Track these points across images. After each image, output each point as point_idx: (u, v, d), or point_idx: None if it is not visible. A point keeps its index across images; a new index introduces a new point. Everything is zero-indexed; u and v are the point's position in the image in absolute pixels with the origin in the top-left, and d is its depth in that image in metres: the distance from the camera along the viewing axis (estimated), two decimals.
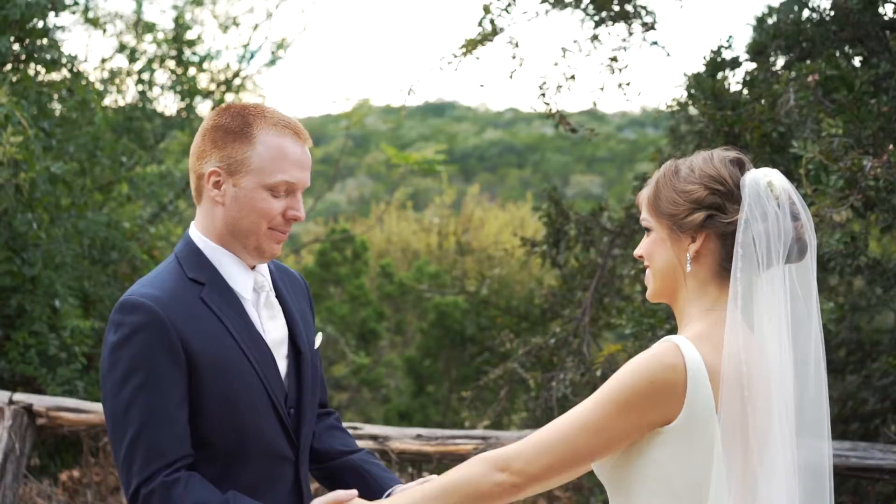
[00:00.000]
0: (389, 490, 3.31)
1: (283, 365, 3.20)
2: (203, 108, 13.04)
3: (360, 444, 6.82)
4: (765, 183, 2.78)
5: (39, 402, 6.97)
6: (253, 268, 3.19)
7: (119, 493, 7.66)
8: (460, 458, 6.80)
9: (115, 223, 9.07)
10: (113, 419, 2.94)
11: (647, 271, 2.98)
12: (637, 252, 3.01)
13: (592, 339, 7.95)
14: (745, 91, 6.91)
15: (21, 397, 6.97)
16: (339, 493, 3.13)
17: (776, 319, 2.78)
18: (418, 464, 7.24)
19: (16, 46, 9.21)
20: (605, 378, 4.29)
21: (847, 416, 8.34)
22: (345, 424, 6.98)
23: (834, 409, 7.93)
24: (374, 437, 6.89)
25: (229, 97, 13.44)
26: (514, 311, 11.33)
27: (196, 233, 3.16)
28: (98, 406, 7.07)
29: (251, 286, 3.17)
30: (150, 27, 12.39)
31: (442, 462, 6.93)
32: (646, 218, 2.94)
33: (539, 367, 7.94)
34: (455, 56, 7.17)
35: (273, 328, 3.20)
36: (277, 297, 3.27)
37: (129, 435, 2.90)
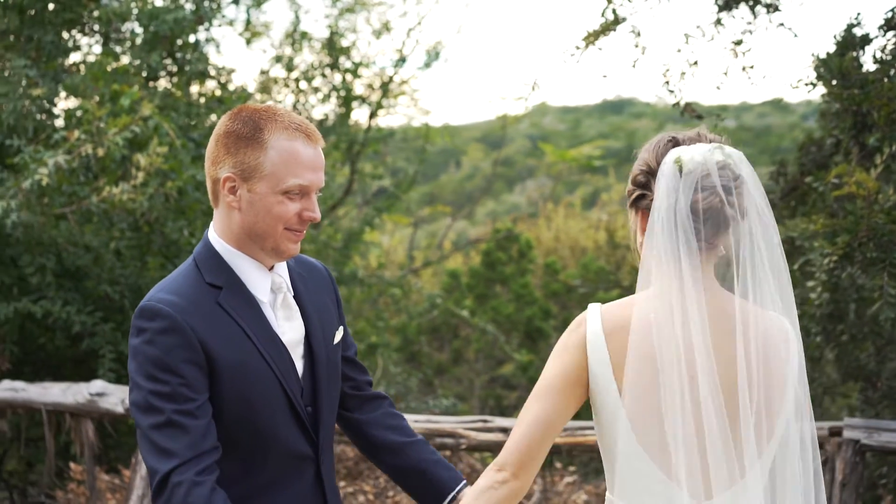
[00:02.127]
0: (452, 494, 3.38)
1: (300, 364, 3.25)
2: (358, 113, 13.33)
3: (490, 436, 6.90)
4: (672, 159, 2.84)
5: None
6: (271, 268, 3.24)
7: None
8: (589, 448, 6.79)
9: None
10: (141, 410, 3.02)
11: None
12: None
13: None
14: (878, 68, 6.71)
15: None
16: None
17: (690, 295, 2.82)
18: (552, 455, 7.24)
19: (167, 61, 9.60)
20: None
21: None
22: (473, 417, 7.07)
23: None
24: (503, 430, 6.92)
25: (386, 102, 13.66)
26: None
27: (214, 236, 3.21)
28: None
29: (268, 288, 3.22)
30: (306, 36, 12.71)
31: (571, 453, 6.91)
32: None
33: None
34: (577, 48, 7.15)
35: (290, 329, 3.24)
36: (295, 296, 3.31)
37: (159, 422, 2.99)
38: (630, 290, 12.91)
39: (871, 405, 6.84)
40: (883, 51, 6.83)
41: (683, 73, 7.06)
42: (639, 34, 7.09)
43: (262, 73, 12.69)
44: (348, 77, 12.78)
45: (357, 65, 12.81)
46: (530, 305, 16.22)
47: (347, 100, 12.65)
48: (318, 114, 12.80)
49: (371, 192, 14.16)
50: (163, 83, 9.70)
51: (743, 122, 44.65)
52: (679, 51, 7.08)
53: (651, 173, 2.90)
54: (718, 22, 7.07)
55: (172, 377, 2.99)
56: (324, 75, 12.69)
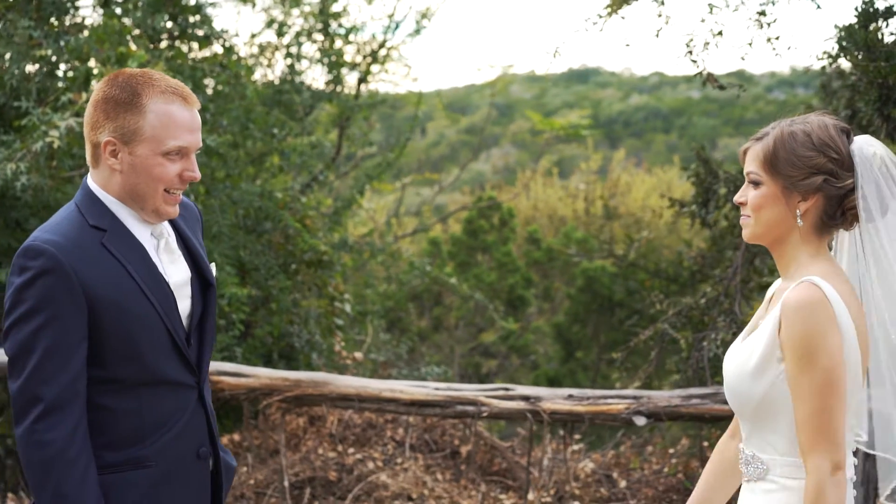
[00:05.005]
0: None
1: (186, 304, 3.41)
2: (350, 79, 13.21)
3: (511, 404, 6.93)
4: (870, 152, 3.20)
5: None
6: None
7: (279, 456, 7.87)
8: (612, 417, 6.84)
9: (268, 193, 9.28)
10: (13, 355, 3.14)
11: (748, 218, 3.31)
12: (740, 199, 3.31)
13: (743, 299, 7.87)
14: None
15: None
16: None
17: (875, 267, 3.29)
18: (570, 424, 7.28)
19: (169, 24, 9.48)
20: None
21: None
22: (495, 385, 7.09)
23: None
24: (525, 398, 6.95)
25: (375, 69, 13.58)
26: (662, 273, 11.26)
27: (95, 186, 3.32)
28: (258, 370, 7.27)
29: (149, 234, 3.35)
30: (298, 1, 12.58)
31: (594, 422, 6.95)
32: (757, 173, 3.25)
33: (690, 327, 7.88)
34: (600, 16, 7.13)
35: (175, 272, 3.38)
36: (181, 237, 3.48)
37: (26, 371, 3.11)
38: (624, 259, 12.99)
39: None
40: None
41: (707, 44, 7.06)
42: (662, 3, 7.08)
43: (252, 36, 12.56)
44: (339, 43, 12.67)
45: (348, 30, 12.69)
46: (512, 273, 16.28)
47: (338, 65, 12.54)
48: (308, 79, 12.69)
49: (359, 158, 14.09)
50: (164, 46, 9.57)
51: (708, 93, 44.92)
52: (703, 21, 7.08)
53: (840, 162, 3.18)
54: None
55: (51, 318, 3.11)
56: (314, 41, 12.57)
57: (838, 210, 3.19)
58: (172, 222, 3.45)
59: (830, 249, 3.32)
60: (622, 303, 14.85)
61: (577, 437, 8.81)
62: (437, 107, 14.19)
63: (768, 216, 3.24)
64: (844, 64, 7.21)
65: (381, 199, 18.03)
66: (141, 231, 3.32)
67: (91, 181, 3.33)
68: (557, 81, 45.48)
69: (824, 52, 6.90)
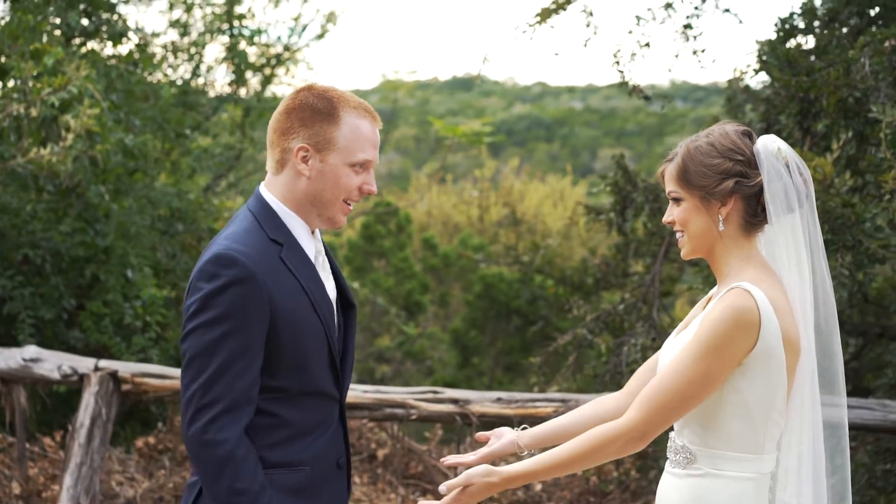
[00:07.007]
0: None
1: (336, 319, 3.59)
2: (253, 82, 13.11)
3: (440, 407, 6.98)
4: (774, 148, 3.37)
5: (124, 368, 7.10)
6: (312, 232, 3.53)
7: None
8: (540, 420, 6.93)
9: (183, 194, 9.20)
10: (193, 356, 3.25)
11: (681, 236, 3.50)
12: (668, 219, 3.51)
13: (661, 306, 8.04)
14: (815, 58, 6.97)
15: (106, 364, 7.10)
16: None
17: (796, 260, 3.38)
18: (498, 427, 7.33)
19: (84, 21, 9.34)
20: None
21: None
22: (424, 388, 7.14)
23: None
24: (454, 401, 7.00)
25: (279, 71, 13.50)
26: (567, 280, 11.43)
27: (271, 196, 3.46)
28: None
29: (314, 250, 3.50)
30: (206, 1, 12.45)
31: (521, 424, 7.03)
32: (675, 190, 3.44)
33: (608, 332, 8.02)
34: (529, 25, 7.25)
35: (329, 288, 3.55)
36: (327, 256, 3.64)
37: (206, 374, 3.22)
38: (529, 266, 13.14)
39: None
40: (822, 39, 7.09)
41: (634, 55, 7.23)
42: (591, 14, 7.23)
43: (155, 35, 12.39)
44: (243, 44, 12.57)
45: (253, 32, 12.61)
46: (410, 279, 16.33)
47: (242, 69, 12.45)
48: (211, 80, 12.57)
49: (260, 161, 14.00)
50: (79, 43, 9.43)
51: (589, 103, 45.66)
52: (630, 32, 7.25)
53: (747, 162, 3.36)
54: (669, 5, 7.24)
55: (238, 326, 3.24)
56: (219, 42, 12.46)
57: (758, 207, 3.36)
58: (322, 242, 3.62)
59: None
60: (519, 309, 15.01)
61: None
62: None
63: (695, 228, 3.42)
64: (760, 77, 7.47)
65: None
66: (308, 246, 3.46)
67: (266, 191, 3.47)
68: (440, 89, 45.78)
69: (747, 66, 7.12)
